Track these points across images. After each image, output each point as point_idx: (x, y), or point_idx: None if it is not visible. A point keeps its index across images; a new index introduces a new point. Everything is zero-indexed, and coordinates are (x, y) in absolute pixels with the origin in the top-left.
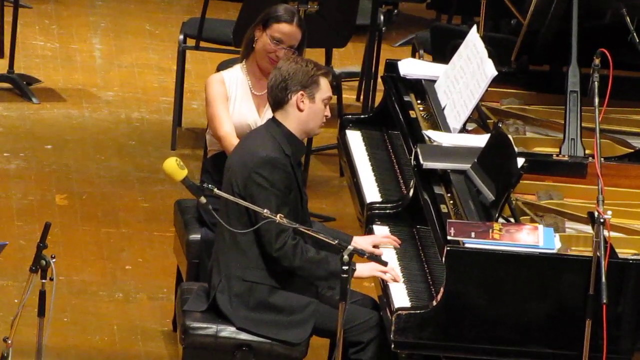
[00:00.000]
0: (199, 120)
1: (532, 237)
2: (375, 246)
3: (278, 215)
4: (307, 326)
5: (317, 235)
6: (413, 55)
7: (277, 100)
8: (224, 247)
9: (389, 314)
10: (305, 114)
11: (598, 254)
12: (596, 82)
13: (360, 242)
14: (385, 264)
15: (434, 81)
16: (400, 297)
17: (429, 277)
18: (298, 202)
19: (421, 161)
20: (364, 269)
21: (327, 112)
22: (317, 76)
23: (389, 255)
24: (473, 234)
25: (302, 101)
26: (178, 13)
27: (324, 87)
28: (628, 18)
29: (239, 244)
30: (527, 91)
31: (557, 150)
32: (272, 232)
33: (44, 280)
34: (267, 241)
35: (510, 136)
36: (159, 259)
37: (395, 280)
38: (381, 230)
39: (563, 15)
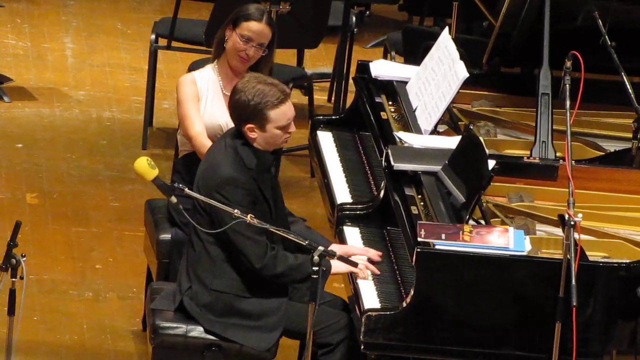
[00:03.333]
0: (170, 120)
1: (503, 239)
2: (349, 256)
3: (249, 216)
4: (275, 332)
5: (287, 236)
6: (385, 57)
7: (235, 124)
8: (194, 255)
9: (358, 314)
10: (258, 140)
11: (568, 256)
12: (567, 85)
13: (336, 250)
14: (355, 265)
15: (406, 83)
16: (370, 298)
17: (399, 279)
18: (266, 211)
19: (392, 162)
20: (340, 265)
21: (291, 129)
22: (266, 110)
23: (359, 256)
24: (443, 236)
25: (253, 132)
26: (150, 13)
27: (276, 117)
28: (600, 21)
29: (209, 253)
30: (499, 93)
31: (528, 152)
32: (250, 251)
33: (14, 279)
34: (247, 258)
35: (481, 138)
36: (129, 259)
37: (374, 272)
38: (352, 232)
39: (535, 17)
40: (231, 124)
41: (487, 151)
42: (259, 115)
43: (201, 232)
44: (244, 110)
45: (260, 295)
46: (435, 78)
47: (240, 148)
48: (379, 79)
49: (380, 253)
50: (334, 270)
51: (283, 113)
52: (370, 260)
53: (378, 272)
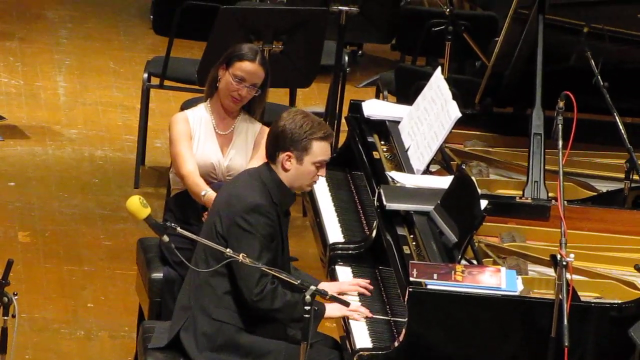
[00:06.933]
0: (162, 159)
1: (495, 279)
2: (341, 294)
3: (241, 255)
4: None
5: (280, 276)
6: (377, 96)
7: (269, 153)
8: (196, 284)
9: (350, 354)
10: (291, 173)
11: (560, 296)
12: (560, 125)
13: (327, 288)
14: (347, 304)
15: (398, 122)
16: (362, 337)
17: (391, 318)
18: (279, 250)
19: (384, 202)
20: (334, 309)
21: (322, 173)
22: (310, 140)
23: (351, 295)
24: (435, 276)
25: (289, 161)
26: (142, 52)
27: (317, 151)
28: (592, 61)
29: (213, 283)
30: (491, 133)
31: (521, 192)
32: (254, 278)
33: (5, 317)
34: (248, 287)
35: (473, 178)
36: (121, 297)
37: (365, 316)
38: (344, 272)
39: (528, 57)
40: (223, 163)
41: (480, 191)
42: (301, 144)
43: (209, 261)
44: (287, 137)
45: (261, 332)
46: (428, 118)
47: (268, 181)
48: (371, 118)
49: (368, 281)
50: (327, 314)
51: (324, 149)
52: (361, 297)
53: (371, 315)
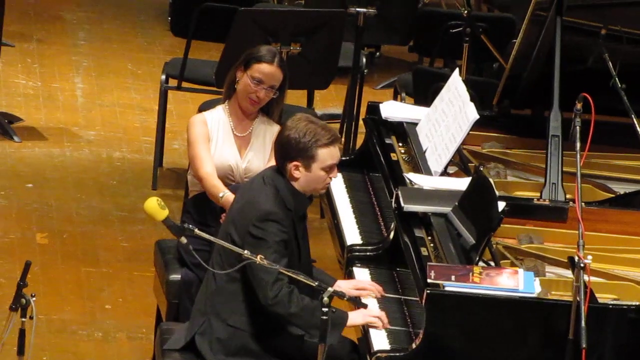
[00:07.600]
0: (180, 161)
1: (512, 281)
2: (358, 289)
3: (258, 257)
4: None
5: (297, 277)
6: (395, 98)
7: (277, 163)
8: (212, 289)
9: (368, 356)
10: (301, 181)
11: (578, 298)
12: (578, 127)
13: (344, 285)
14: (365, 306)
15: (416, 124)
16: (380, 339)
17: (409, 320)
18: (295, 255)
19: (402, 204)
20: (356, 317)
21: (333, 175)
22: (315, 148)
23: (370, 298)
24: (453, 277)
25: (297, 170)
26: (160, 53)
27: (324, 157)
28: (610, 63)
29: (229, 288)
30: (509, 135)
31: (538, 194)
32: (268, 282)
33: (23, 319)
34: (263, 291)
35: (491, 180)
36: (138, 299)
37: (385, 326)
38: (361, 273)
39: (545, 59)
40: (241, 165)
41: (497, 193)
42: (307, 154)
43: (225, 266)
44: (292, 147)
45: (276, 339)
46: (446, 119)
47: (281, 188)
48: (389, 120)
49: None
50: (350, 322)
51: (331, 154)
52: (378, 299)
53: (387, 326)
